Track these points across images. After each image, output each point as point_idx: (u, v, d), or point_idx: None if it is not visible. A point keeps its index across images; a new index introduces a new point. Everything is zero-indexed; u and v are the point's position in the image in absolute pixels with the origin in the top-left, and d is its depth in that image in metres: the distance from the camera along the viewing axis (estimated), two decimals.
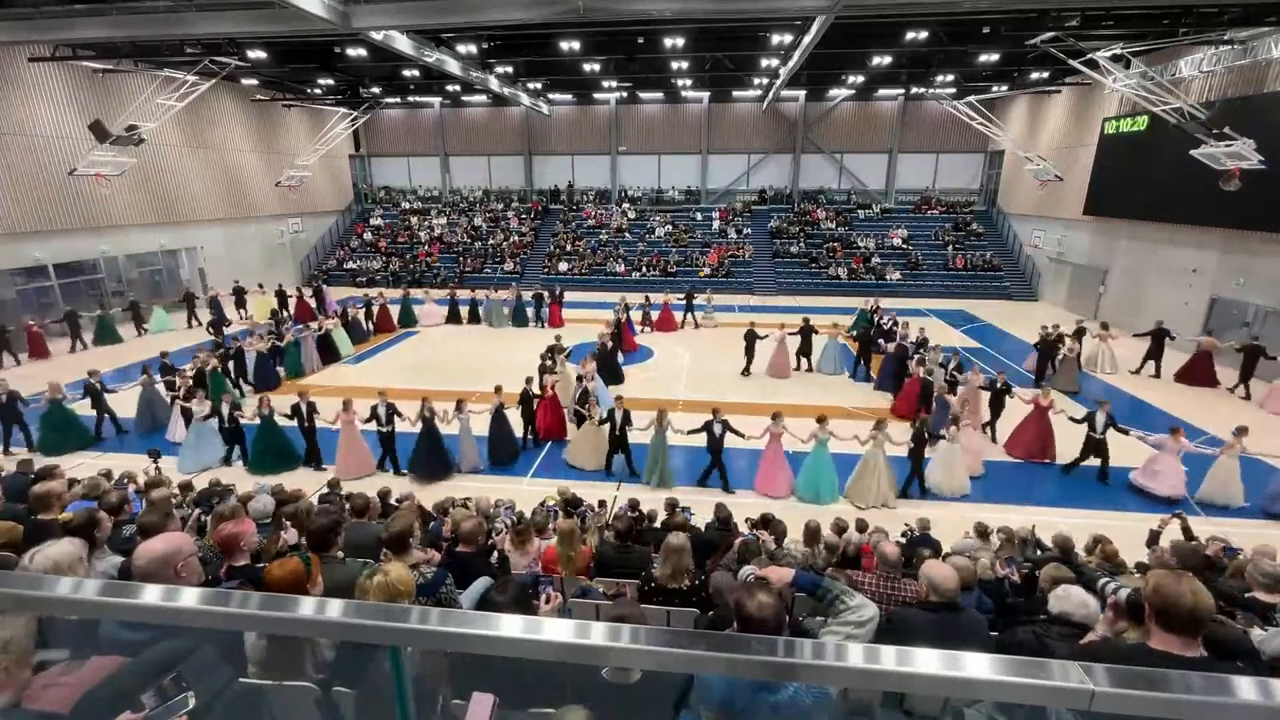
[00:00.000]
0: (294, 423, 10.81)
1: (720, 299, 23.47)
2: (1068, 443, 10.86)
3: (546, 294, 22.44)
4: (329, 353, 17.37)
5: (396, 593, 2.77)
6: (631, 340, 18.58)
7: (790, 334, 16.13)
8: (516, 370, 13.21)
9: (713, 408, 10.41)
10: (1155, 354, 15.74)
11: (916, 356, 13.70)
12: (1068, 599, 3.20)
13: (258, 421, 10.77)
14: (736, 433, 10.06)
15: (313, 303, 22.20)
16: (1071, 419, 10.78)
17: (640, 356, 18.10)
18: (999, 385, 11.81)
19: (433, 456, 10.66)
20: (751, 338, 16.07)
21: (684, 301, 21.37)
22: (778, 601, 2.30)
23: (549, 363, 13.55)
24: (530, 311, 22.03)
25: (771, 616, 2.23)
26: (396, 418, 10.61)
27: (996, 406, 11.95)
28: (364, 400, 11.09)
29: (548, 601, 3.53)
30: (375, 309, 21.01)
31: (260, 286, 22.99)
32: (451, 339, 20.56)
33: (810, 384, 15.69)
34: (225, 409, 10.89)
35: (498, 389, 11.38)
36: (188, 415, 11.45)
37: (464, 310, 22.34)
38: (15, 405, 11.36)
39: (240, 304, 21.72)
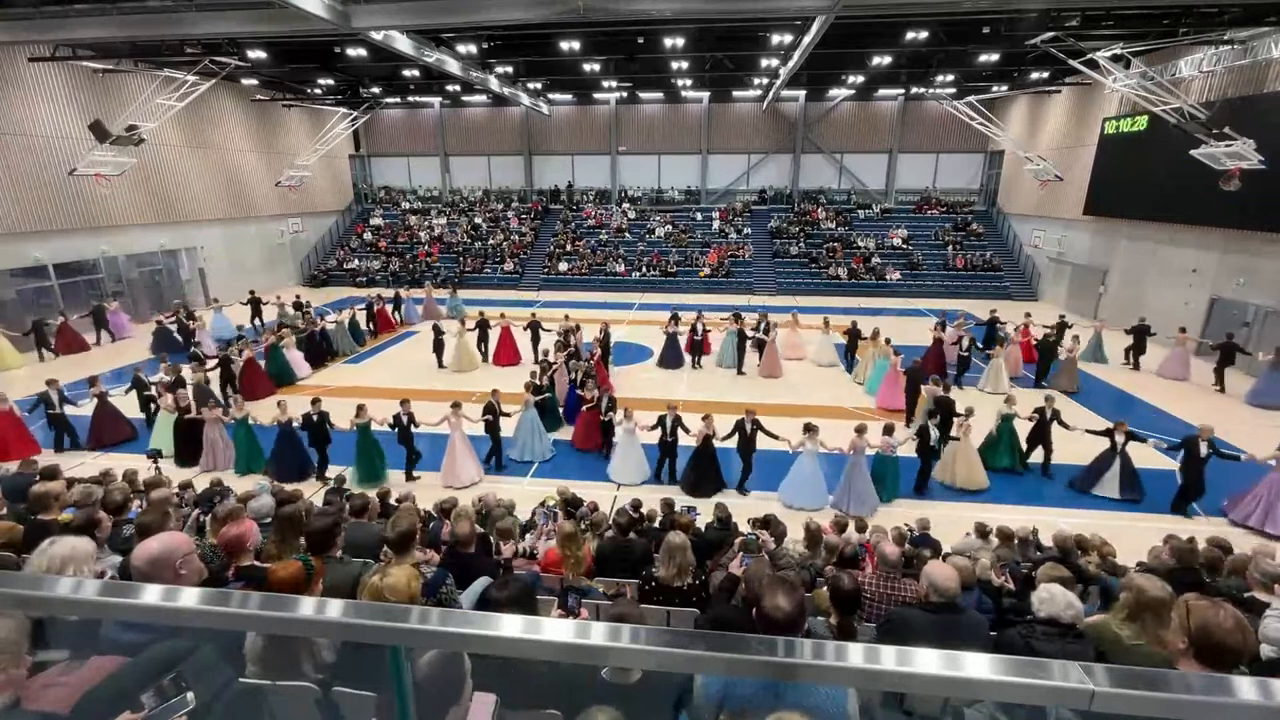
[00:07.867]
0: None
1: (688, 300, 23.35)
2: (1068, 444, 10.81)
3: (393, 299, 21.64)
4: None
5: (384, 600, 2.59)
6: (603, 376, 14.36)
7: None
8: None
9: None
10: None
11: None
12: (1053, 602, 3.22)
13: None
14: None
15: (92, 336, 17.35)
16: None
17: (640, 356, 18.10)
18: (1047, 415, 10.62)
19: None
20: (742, 337, 16.21)
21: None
22: (797, 601, 2.31)
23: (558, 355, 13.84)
24: (363, 323, 19.75)
25: (785, 618, 2.26)
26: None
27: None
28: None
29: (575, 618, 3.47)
30: (242, 360, 14.30)
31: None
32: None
33: (809, 382, 15.70)
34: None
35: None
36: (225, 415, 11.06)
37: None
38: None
39: (256, 313, 20.25)
